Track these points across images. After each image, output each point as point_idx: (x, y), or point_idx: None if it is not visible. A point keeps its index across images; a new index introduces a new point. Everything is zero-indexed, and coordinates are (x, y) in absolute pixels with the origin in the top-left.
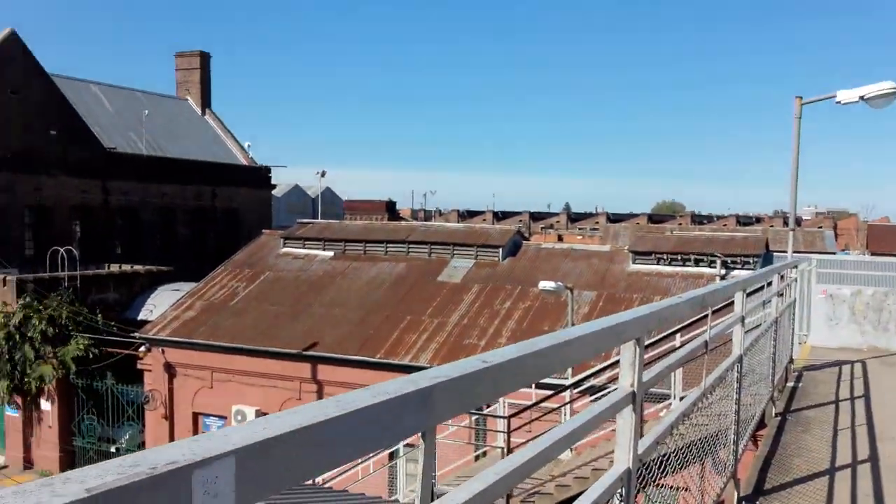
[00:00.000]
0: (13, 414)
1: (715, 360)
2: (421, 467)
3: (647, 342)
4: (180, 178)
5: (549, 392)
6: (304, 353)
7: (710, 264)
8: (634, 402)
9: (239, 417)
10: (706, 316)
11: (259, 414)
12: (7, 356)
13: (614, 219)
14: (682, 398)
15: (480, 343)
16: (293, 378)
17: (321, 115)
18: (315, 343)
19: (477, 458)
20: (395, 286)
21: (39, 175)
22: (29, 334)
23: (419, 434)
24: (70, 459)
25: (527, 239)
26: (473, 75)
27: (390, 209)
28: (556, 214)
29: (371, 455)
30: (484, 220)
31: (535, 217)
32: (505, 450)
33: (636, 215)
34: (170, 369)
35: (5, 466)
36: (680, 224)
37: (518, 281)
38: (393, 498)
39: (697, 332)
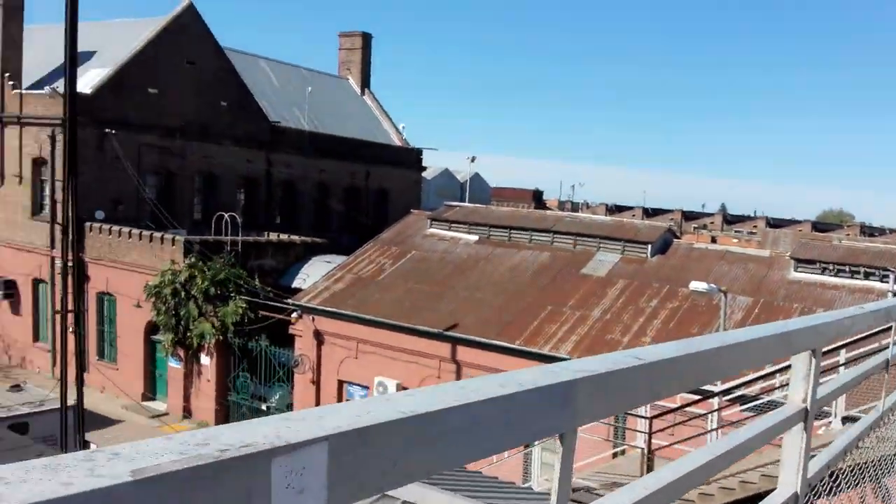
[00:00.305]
0: (176, 366)
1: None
2: (557, 475)
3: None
4: (338, 155)
5: (696, 397)
6: (445, 333)
7: (882, 279)
8: (806, 421)
9: (381, 388)
10: (877, 332)
11: (400, 388)
12: (173, 311)
13: (774, 224)
14: (847, 418)
15: (623, 339)
16: (433, 356)
17: (474, 100)
18: (456, 324)
19: (615, 455)
20: (538, 275)
21: (210, 144)
22: (193, 292)
23: (556, 436)
24: (225, 413)
25: (678, 237)
26: (634, 68)
27: (537, 198)
28: (711, 215)
29: None
30: (633, 215)
31: (688, 216)
32: (645, 451)
33: (798, 222)
34: (318, 337)
35: (166, 413)
36: (848, 234)
37: (666, 280)
38: (527, 485)
39: (865, 348)
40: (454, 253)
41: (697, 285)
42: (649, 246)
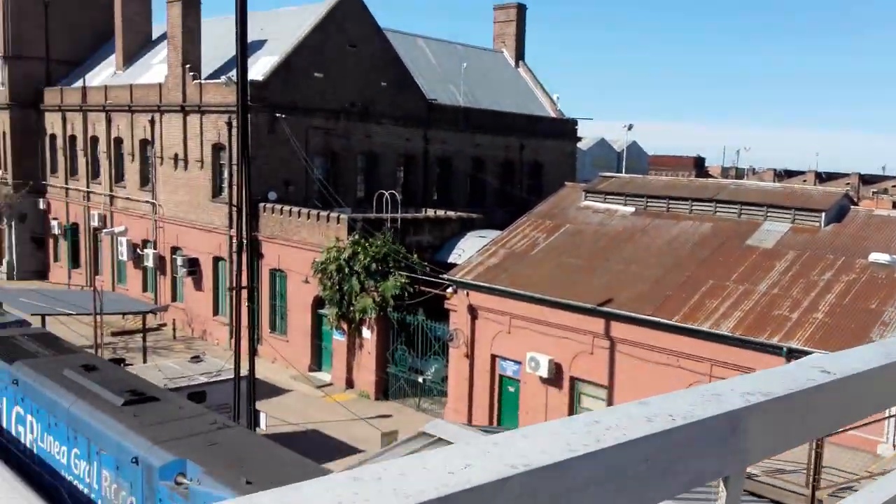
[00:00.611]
0: (339, 338)
1: None
2: None
3: None
4: (492, 129)
5: None
6: (599, 308)
7: None
8: None
9: (533, 364)
10: None
11: (552, 364)
12: (337, 286)
13: None
14: None
15: (792, 316)
16: (586, 332)
17: (631, 66)
18: (610, 299)
19: None
20: (699, 247)
21: (371, 124)
22: (356, 268)
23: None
24: (384, 384)
25: (855, 204)
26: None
27: (698, 165)
28: (892, 178)
29: None
30: (804, 180)
31: (867, 180)
32: None
33: None
34: (472, 311)
35: (330, 384)
36: None
37: (842, 250)
38: None
39: None
40: (609, 225)
41: (878, 256)
42: (822, 214)
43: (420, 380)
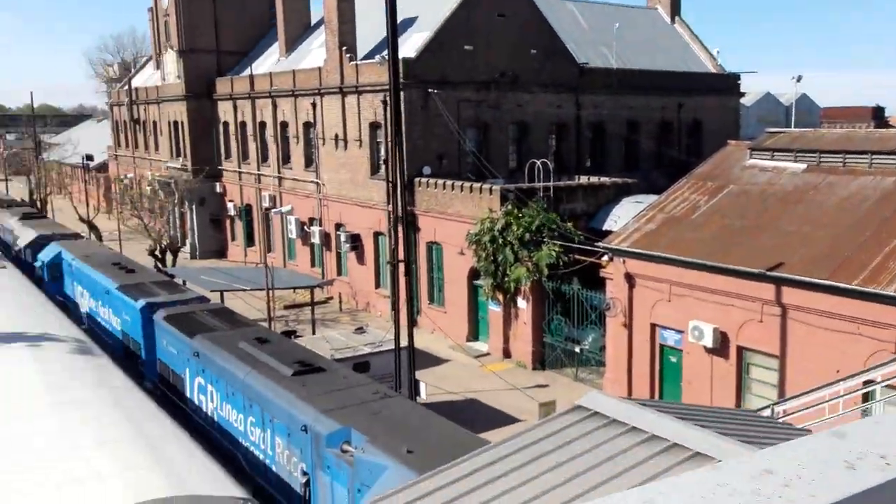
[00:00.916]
0: (495, 309)
1: None
2: None
3: None
4: (647, 89)
5: None
6: (769, 273)
7: None
8: None
9: (696, 333)
10: None
11: (717, 333)
12: (492, 258)
13: None
14: None
15: None
16: (754, 299)
17: (797, 11)
18: (780, 263)
19: None
20: (881, 203)
21: (521, 92)
22: (509, 238)
23: None
24: (540, 354)
25: None
26: None
27: (877, 116)
28: None
29: (842, 392)
30: None
31: None
32: None
33: None
34: (629, 279)
35: (488, 354)
36: None
37: None
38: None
39: None
40: (777, 184)
41: None
42: None
43: (577, 350)
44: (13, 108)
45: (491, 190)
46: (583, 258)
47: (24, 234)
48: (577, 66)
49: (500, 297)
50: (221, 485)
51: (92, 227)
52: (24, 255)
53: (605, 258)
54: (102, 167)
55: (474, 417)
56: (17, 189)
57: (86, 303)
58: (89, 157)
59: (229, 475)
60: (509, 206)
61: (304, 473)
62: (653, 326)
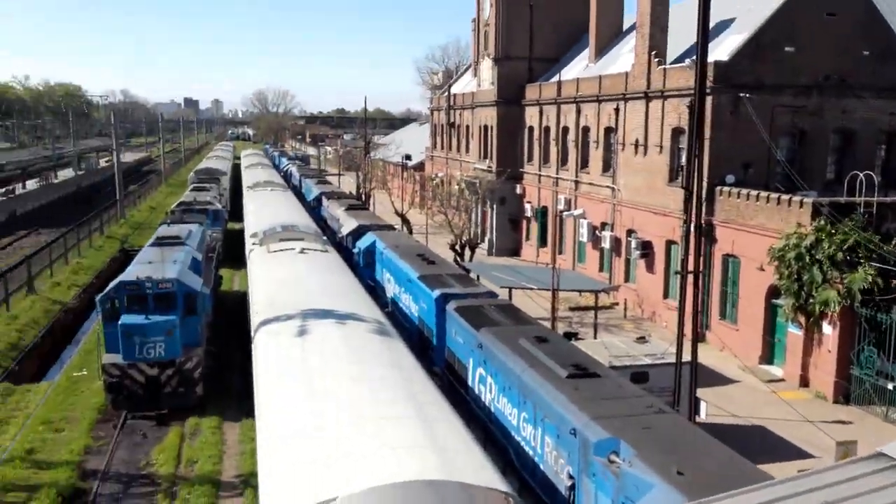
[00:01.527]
0: (795, 332)
1: None
2: None
3: None
4: None
5: None
6: None
7: None
8: None
9: None
10: None
11: None
12: (796, 276)
13: None
14: None
15: None
16: None
17: None
18: None
19: None
20: None
21: (847, 98)
22: (818, 257)
23: None
24: (844, 387)
25: None
26: None
27: None
28: None
29: None
30: None
31: None
32: None
33: None
34: None
35: (782, 380)
36: None
37: None
38: None
39: None
40: None
41: None
42: None
43: (890, 387)
44: (352, 111)
45: (801, 203)
46: None
47: (347, 224)
48: None
49: (802, 319)
50: (489, 475)
51: (404, 220)
52: (345, 242)
53: None
54: (419, 166)
55: (758, 446)
56: (348, 183)
57: (391, 288)
58: (407, 157)
59: (497, 468)
60: (821, 222)
61: (570, 477)
62: None
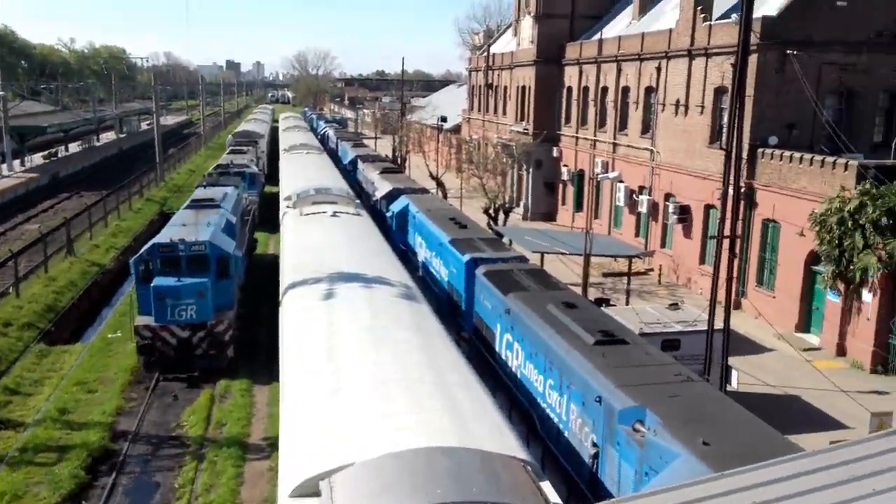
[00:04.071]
0: (834, 299)
1: None
2: None
3: None
4: None
5: None
6: None
7: None
8: None
9: None
10: None
11: None
12: (837, 241)
13: None
14: None
15: None
16: None
17: None
18: None
19: None
20: None
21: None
22: (861, 222)
23: None
24: (883, 356)
25: None
26: None
27: None
28: None
29: None
30: None
31: None
32: None
33: None
34: None
35: (818, 349)
36: None
37: None
38: None
39: None
40: None
41: None
42: None
43: None
44: (391, 73)
45: (846, 165)
46: None
47: (382, 187)
48: None
49: (841, 286)
50: (508, 443)
51: (439, 184)
52: (379, 206)
53: None
54: (456, 129)
55: (791, 416)
56: (384, 146)
57: (423, 253)
58: (443, 119)
59: (518, 435)
60: (866, 185)
61: (594, 445)
62: None
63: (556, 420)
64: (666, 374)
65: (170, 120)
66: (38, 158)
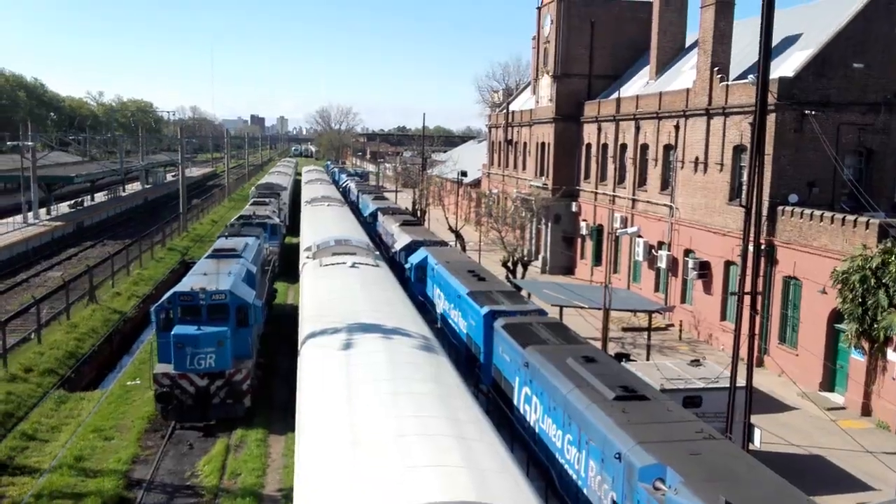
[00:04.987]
0: (858, 358)
1: None
2: None
3: None
4: None
5: None
6: None
7: None
8: None
9: None
10: None
11: None
12: (860, 300)
13: None
14: None
15: None
16: None
17: None
18: None
19: None
20: None
21: None
22: (884, 280)
23: None
24: None
25: None
26: None
27: None
28: None
29: None
30: None
31: None
32: None
33: None
34: None
35: (843, 408)
36: None
37: None
38: None
39: None
40: None
41: None
42: None
43: None
44: (412, 129)
45: (867, 223)
46: None
47: (401, 239)
48: None
49: (866, 345)
50: (524, 498)
51: (458, 237)
52: (398, 257)
53: None
54: (476, 183)
55: (815, 477)
56: (404, 199)
57: (441, 304)
58: (463, 174)
59: (536, 491)
60: (888, 243)
61: (614, 503)
62: None
63: (574, 476)
64: (688, 432)
65: (195, 172)
66: (64, 207)
